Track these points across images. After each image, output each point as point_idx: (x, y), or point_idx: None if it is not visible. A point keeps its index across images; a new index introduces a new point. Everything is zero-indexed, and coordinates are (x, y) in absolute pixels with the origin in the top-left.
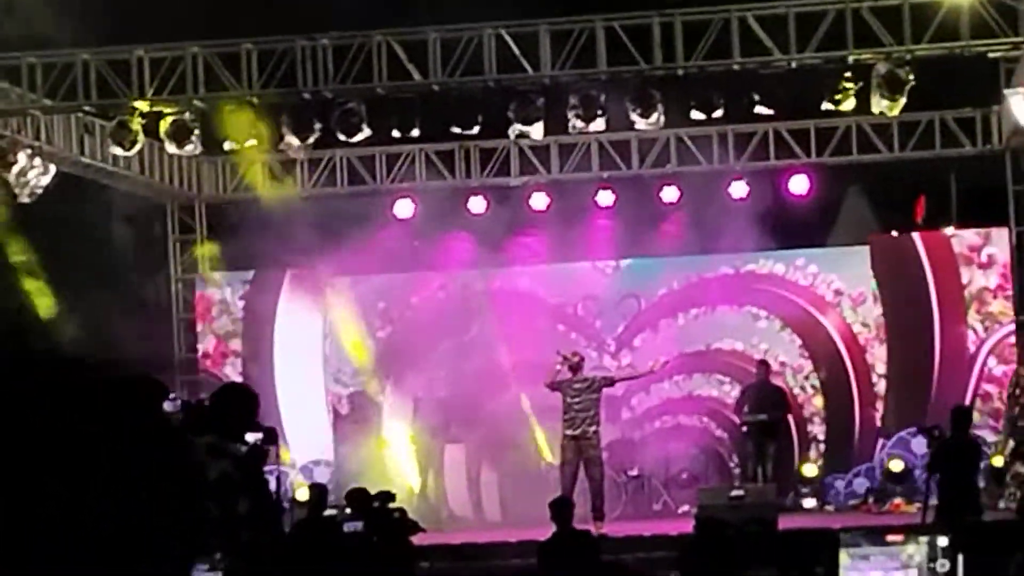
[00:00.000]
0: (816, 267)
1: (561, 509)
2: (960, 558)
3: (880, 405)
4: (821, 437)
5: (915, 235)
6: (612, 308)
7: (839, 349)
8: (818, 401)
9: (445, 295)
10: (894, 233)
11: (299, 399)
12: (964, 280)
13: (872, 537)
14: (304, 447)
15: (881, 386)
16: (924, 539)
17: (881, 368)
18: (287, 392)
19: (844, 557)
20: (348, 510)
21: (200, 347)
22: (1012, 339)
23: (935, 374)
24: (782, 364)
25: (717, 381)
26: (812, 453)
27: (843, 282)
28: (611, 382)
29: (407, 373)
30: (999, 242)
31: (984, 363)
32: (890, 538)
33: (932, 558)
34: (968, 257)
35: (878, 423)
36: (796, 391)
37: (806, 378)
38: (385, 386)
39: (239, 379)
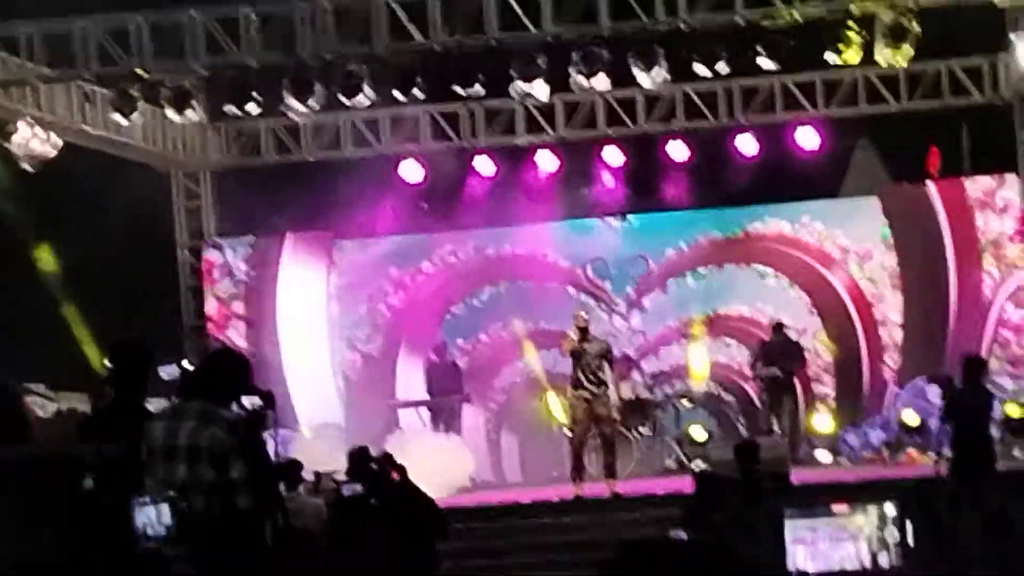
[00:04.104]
0: (822, 224)
1: (747, 453)
2: (909, 525)
3: (890, 358)
4: (831, 393)
5: (928, 182)
6: (621, 269)
7: (846, 305)
8: (827, 357)
9: (456, 260)
10: (905, 184)
11: (304, 362)
12: (979, 225)
13: (817, 507)
14: (310, 411)
15: (890, 338)
16: (872, 508)
17: (896, 317)
18: (291, 355)
19: (790, 530)
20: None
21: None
22: None
23: (951, 321)
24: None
25: (723, 344)
26: (823, 409)
27: (849, 239)
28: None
29: (420, 337)
30: (1014, 186)
31: (1001, 309)
32: (836, 508)
33: (881, 527)
34: (983, 202)
35: (886, 376)
36: (811, 348)
37: (814, 335)
38: (399, 351)
39: (243, 343)
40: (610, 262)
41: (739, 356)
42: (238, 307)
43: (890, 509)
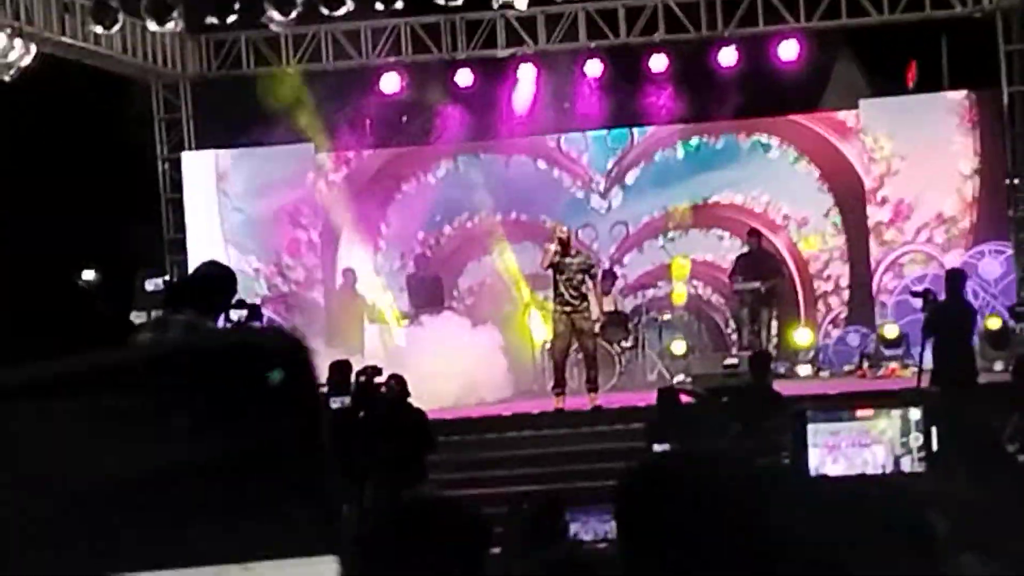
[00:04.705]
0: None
1: (760, 361)
2: (934, 431)
3: (970, 213)
4: (844, 284)
5: None
6: (601, 140)
7: (861, 179)
8: (838, 241)
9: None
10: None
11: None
12: None
13: (840, 412)
14: None
15: (958, 194)
16: (896, 412)
17: (965, 166)
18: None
19: (812, 434)
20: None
21: None
22: None
23: None
24: (785, 218)
25: (716, 236)
26: (827, 306)
27: (866, 114)
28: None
29: (364, 220)
30: None
31: None
32: (859, 412)
33: (905, 432)
34: None
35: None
36: (800, 243)
37: (825, 215)
38: (340, 237)
39: None
40: (588, 133)
41: (731, 252)
42: None
43: (915, 414)
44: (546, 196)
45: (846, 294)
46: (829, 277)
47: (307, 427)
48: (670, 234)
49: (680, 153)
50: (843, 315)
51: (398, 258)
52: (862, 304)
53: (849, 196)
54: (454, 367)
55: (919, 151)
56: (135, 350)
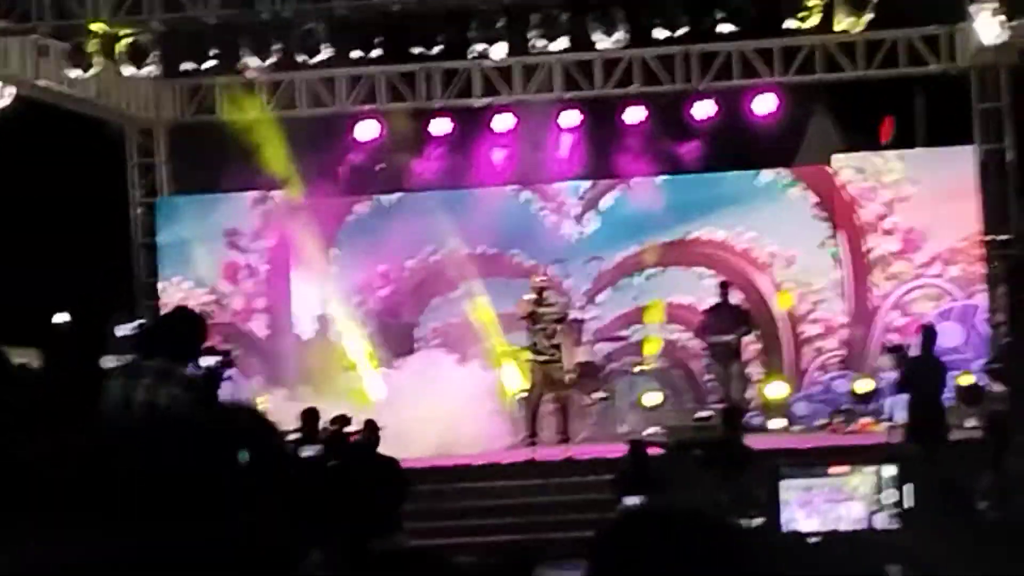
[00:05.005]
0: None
1: (730, 415)
2: (907, 488)
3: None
4: (840, 323)
5: None
6: (575, 170)
7: (864, 206)
8: (835, 275)
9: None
10: None
11: None
12: None
13: (815, 468)
14: None
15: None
16: (870, 469)
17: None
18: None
19: (785, 490)
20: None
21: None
22: None
23: None
24: (771, 255)
25: (696, 275)
26: (817, 350)
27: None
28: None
29: (315, 247)
30: None
31: None
32: (833, 469)
33: (878, 489)
34: None
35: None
36: (777, 298)
37: (820, 245)
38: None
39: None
40: (564, 181)
41: (711, 294)
42: None
43: (888, 471)
44: (515, 223)
45: (844, 333)
46: (817, 320)
47: (274, 506)
48: (647, 272)
49: (658, 181)
50: (838, 357)
51: (356, 292)
52: (860, 346)
53: (849, 224)
54: (429, 412)
55: (936, 172)
56: (98, 429)
